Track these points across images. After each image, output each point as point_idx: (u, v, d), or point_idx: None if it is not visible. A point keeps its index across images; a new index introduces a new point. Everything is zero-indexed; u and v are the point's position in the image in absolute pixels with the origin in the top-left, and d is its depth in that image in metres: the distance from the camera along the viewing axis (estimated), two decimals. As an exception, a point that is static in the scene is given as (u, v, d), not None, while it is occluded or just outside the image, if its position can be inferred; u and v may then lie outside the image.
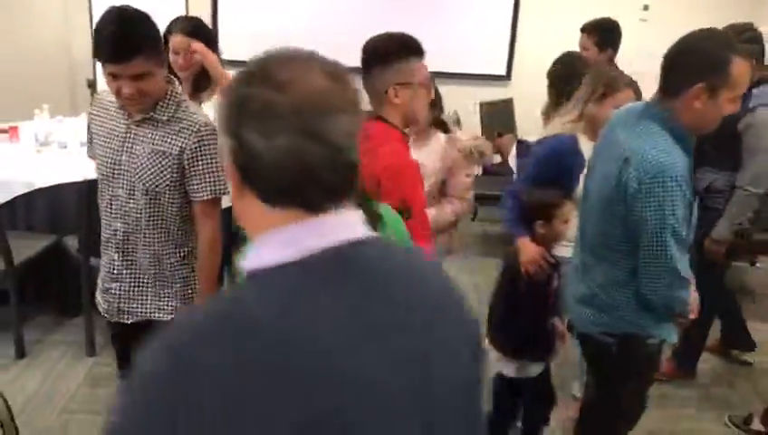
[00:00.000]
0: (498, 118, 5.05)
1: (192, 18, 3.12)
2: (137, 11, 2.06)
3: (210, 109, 3.06)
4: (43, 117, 4.47)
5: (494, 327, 2.89)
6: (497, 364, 2.86)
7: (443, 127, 3.16)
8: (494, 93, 5.51)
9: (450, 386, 0.97)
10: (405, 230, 1.88)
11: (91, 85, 5.31)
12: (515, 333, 2.77)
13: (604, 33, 3.95)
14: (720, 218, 3.30)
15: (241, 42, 6.12)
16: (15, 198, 3.53)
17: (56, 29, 5.90)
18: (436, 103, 3.07)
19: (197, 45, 3.11)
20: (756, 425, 3.34)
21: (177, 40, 3.09)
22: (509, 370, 2.83)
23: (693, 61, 2.07)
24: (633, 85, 2.83)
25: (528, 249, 2.76)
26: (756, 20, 5.97)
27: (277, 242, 0.90)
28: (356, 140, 0.94)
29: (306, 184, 0.89)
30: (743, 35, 3.32)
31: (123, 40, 1.98)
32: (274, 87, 0.89)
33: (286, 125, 0.87)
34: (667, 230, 2.03)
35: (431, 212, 3.04)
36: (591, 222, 2.31)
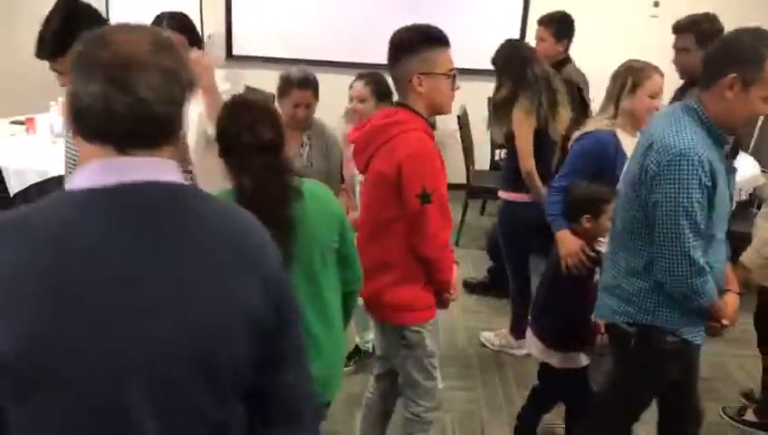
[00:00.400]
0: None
1: (178, 13, 3.09)
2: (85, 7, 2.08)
3: (193, 105, 3.12)
4: (58, 109, 4.57)
5: (538, 318, 2.94)
6: (543, 354, 2.90)
7: None
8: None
9: (189, 340, 1.05)
10: (332, 207, 2.04)
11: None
12: (556, 324, 2.80)
13: (560, 26, 4.12)
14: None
15: (254, 38, 6.24)
16: (30, 186, 3.62)
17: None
18: (385, 96, 3.12)
19: (204, 60, 3.00)
20: (750, 416, 3.36)
21: (177, 39, 3.01)
22: (554, 360, 2.86)
23: (729, 51, 2.08)
24: (661, 72, 2.87)
25: (568, 242, 2.81)
26: (766, 14, 5.97)
27: (87, 171, 1.06)
28: (163, 96, 1.05)
29: (111, 126, 1.04)
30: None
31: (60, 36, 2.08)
32: (100, 45, 1.04)
33: (99, 75, 1.02)
34: (681, 212, 2.05)
35: None
36: (619, 209, 2.35)
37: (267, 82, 6.08)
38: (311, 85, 2.97)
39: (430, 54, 2.24)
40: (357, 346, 3.66)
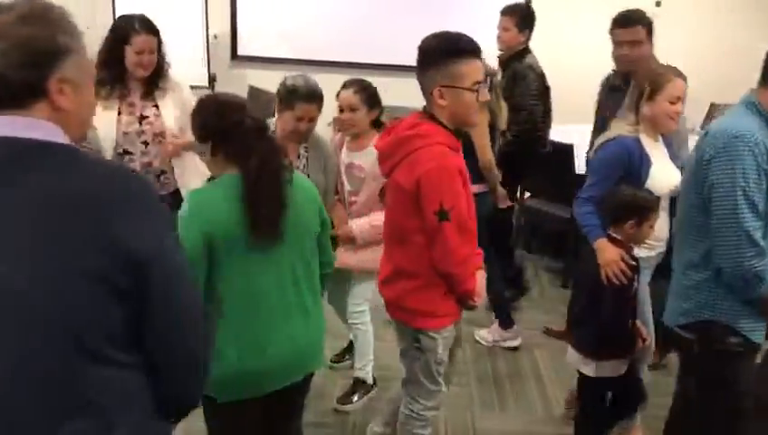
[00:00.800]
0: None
1: (144, 16, 3.12)
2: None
3: (168, 108, 3.15)
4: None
5: (574, 326, 2.88)
6: (578, 363, 2.84)
7: (382, 128, 3.15)
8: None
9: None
10: (315, 195, 2.17)
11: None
12: (595, 333, 2.74)
13: (523, 16, 4.22)
14: None
15: (259, 39, 6.29)
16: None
17: (81, 28, 6.07)
18: (375, 103, 3.13)
19: (181, 142, 3.09)
20: None
21: (144, 39, 3.02)
22: (588, 369, 2.80)
23: None
24: (682, 75, 2.80)
25: (608, 251, 2.70)
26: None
27: None
28: (14, 62, 1.20)
29: None
30: None
31: None
32: None
33: None
34: (738, 191, 2.05)
35: (363, 224, 3.10)
36: (680, 204, 2.35)
37: (271, 82, 6.13)
38: (317, 99, 2.85)
39: (454, 67, 2.18)
40: (351, 342, 3.70)
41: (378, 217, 3.10)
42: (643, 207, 2.70)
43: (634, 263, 2.71)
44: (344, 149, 3.25)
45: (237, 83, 5.91)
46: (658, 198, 2.73)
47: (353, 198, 3.20)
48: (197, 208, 1.93)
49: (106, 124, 3.01)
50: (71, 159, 1.25)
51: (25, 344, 1.16)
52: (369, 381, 3.43)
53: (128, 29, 3.04)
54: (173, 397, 1.34)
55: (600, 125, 3.49)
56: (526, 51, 4.19)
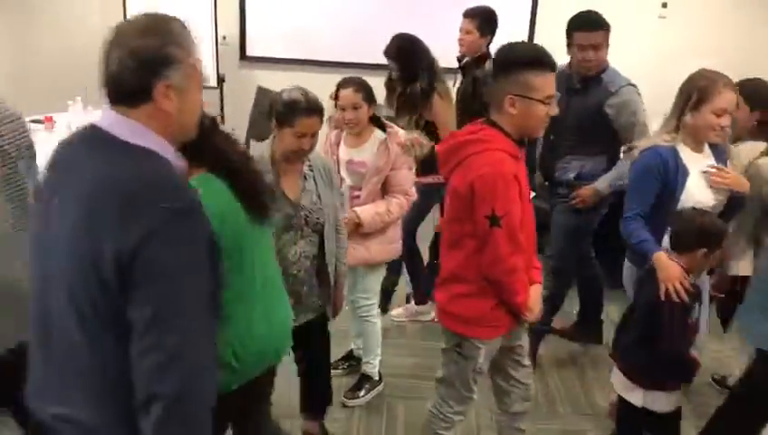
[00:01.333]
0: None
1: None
2: None
3: None
4: (75, 108, 4.71)
5: (625, 351, 2.74)
6: (623, 390, 2.73)
7: (378, 123, 3.23)
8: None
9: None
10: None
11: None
12: (649, 360, 2.59)
13: (484, 20, 4.17)
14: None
15: (268, 40, 6.33)
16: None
17: (92, 29, 6.13)
18: (373, 99, 3.17)
19: None
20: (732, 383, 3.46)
21: None
22: (635, 398, 2.67)
23: None
24: (733, 86, 2.68)
25: (670, 267, 2.53)
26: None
27: None
28: (123, 67, 1.44)
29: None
30: None
31: None
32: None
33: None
34: None
35: (368, 209, 3.14)
36: None
37: (281, 83, 6.16)
38: (318, 112, 2.59)
39: (529, 78, 2.19)
40: (351, 351, 3.71)
41: (382, 205, 3.13)
42: (717, 237, 2.56)
43: (691, 289, 2.54)
44: (342, 146, 3.28)
45: (246, 84, 5.97)
46: (672, 211, 2.63)
47: (356, 193, 3.23)
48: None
49: None
50: (118, 156, 1.44)
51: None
52: (376, 376, 3.47)
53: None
54: None
55: (553, 127, 3.53)
56: (485, 57, 4.09)
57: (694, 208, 2.60)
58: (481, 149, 2.23)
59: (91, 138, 1.49)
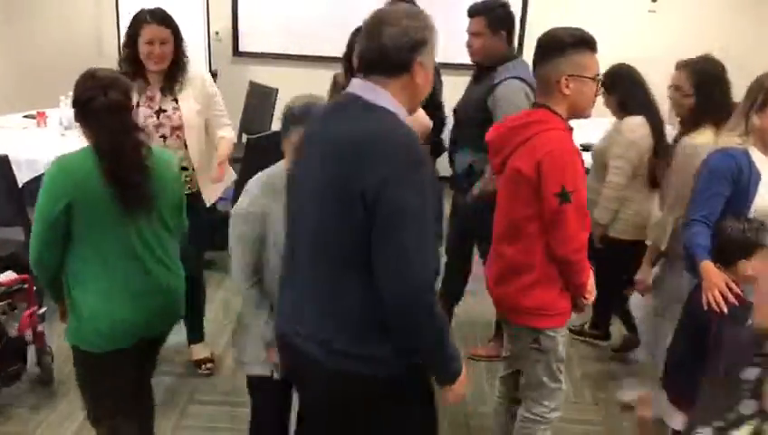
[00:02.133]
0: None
1: (159, 9, 3.09)
2: None
3: (187, 101, 3.13)
4: (67, 103, 4.69)
5: (671, 370, 2.57)
6: (665, 412, 2.56)
7: None
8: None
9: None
10: (175, 170, 2.37)
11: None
12: (694, 381, 2.37)
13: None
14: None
15: (261, 35, 6.34)
16: (40, 175, 3.74)
17: (87, 26, 6.14)
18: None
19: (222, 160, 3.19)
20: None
21: (153, 30, 3.00)
22: (677, 422, 2.48)
23: None
24: None
25: (713, 274, 2.39)
26: (765, 10, 6.04)
27: None
28: (392, 42, 1.72)
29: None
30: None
31: None
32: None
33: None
34: None
35: None
36: None
37: (273, 78, 6.21)
38: None
39: (581, 57, 2.25)
40: None
41: None
42: (755, 245, 2.38)
43: (733, 299, 2.35)
44: None
45: (239, 79, 5.98)
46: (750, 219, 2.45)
47: None
48: (63, 174, 2.11)
49: None
50: (372, 116, 1.73)
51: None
52: None
53: (139, 20, 3.03)
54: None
55: (455, 117, 3.53)
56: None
57: (736, 217, 2.45)
58: (541, 130, 2.25)
59: (347, 102, 1.80)
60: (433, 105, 3.28)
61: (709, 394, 2.31)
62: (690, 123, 2.91)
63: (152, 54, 3.02)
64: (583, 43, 2.26)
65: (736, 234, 2.39)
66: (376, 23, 1.75)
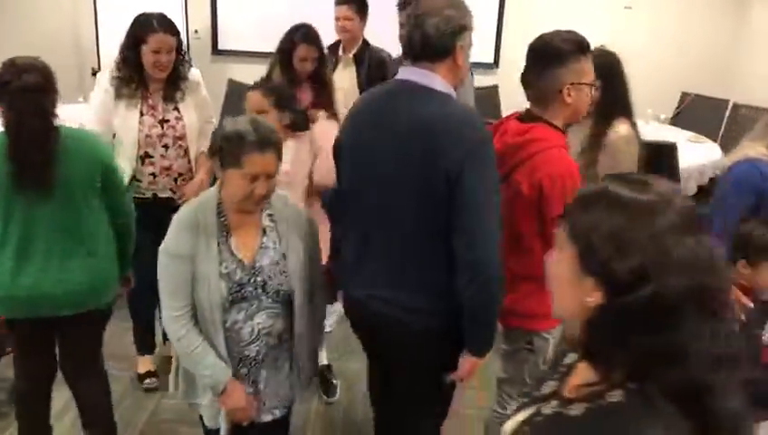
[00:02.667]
0: (483, 105, 5.21)
1: (162, 15, 3.05)
2: None
3: (189, 110, 3.12)
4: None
5: None
6: None
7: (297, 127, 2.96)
8: (480, 81, 5.68)
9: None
10: (95, 153, 2.42)
11: (95, 73, 5.52)
12: None
13: (363, 3, 4.12)
14: None
15: (240, 33, 6.34)
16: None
17: (65, 22, 6.10)
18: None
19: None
20: None
21: (160, 38, 2.94)
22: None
23: None
24: None
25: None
26: (740, 6, 6.14)
27: None
28: (434, 30, 1.97)
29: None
30: None
31: None
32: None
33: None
34: None
35: None
36: None
37: (253, 76, 6.12)
38: (273, 146, 2.01)
39: (580, 64, 2.19)
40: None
41: None
42: (757, 247, 2.36)
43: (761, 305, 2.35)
44: None
45: (218, 78, 5.97)
46: None
47: None
48: None
49: (129, 126, 3.01)
50: (433, 99, 1.96)
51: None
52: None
53: (145, 27, 2.96)
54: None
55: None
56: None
57: (765, 223, 2.42)
58: (540, 149, 2.20)
59: (399, 89, 2.04)
60: None
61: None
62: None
63: (159, 63, 2.98)
64: (581, 49, 2.20)
65: (760, 238, 2.37)
66: (420, 14, 1.96)
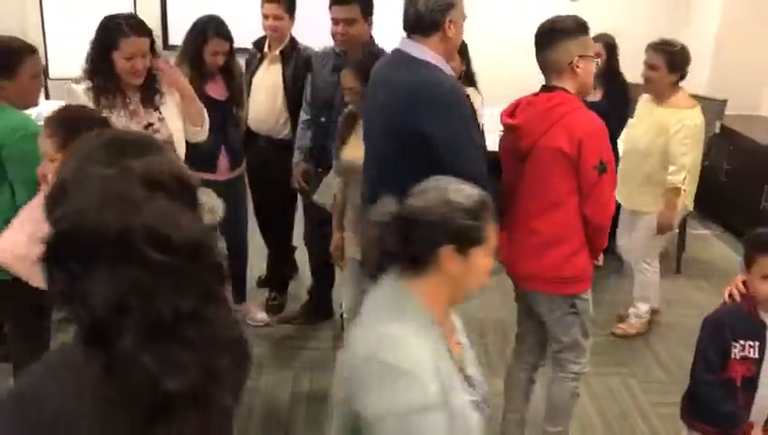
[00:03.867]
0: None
1: (133, 15, 2.97)
2: None
3: (169, 110, 3.01)
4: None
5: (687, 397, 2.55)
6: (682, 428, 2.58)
7: None
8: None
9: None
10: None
11: (42, 72, 5.43)
12: (687, 392, 2.47)
13: (292, 1, 4.08)
14: None
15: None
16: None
17: (11, 22, 5.98)
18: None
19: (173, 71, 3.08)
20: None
21: (133, 42, 2.80)
22: None
23: None
24: None
25: (730, 284, 2.44)
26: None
27: None
28: (425, 7, 2.42)
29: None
30: None
31: None
32: None
33: None
34: None
35: None
36: None
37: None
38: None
39: (585, 38, 2.59)
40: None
41: None
42: (752, 245, 2.31)
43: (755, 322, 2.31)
44: None
45: (170, 72, 5.93)
46: None
47: None
48: None
49: None
50: (422, 69, 2.34)
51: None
52: None
53: (115, 32, 2.79)
54: None
55: (323, 109, 3.67)
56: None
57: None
58: (569, 109, 2.48)
59: (396, 58, 2.46)
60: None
61: None
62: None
63: (134, 69, 2.83)
64: (584, 26, 2.59)
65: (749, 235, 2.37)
66: None
